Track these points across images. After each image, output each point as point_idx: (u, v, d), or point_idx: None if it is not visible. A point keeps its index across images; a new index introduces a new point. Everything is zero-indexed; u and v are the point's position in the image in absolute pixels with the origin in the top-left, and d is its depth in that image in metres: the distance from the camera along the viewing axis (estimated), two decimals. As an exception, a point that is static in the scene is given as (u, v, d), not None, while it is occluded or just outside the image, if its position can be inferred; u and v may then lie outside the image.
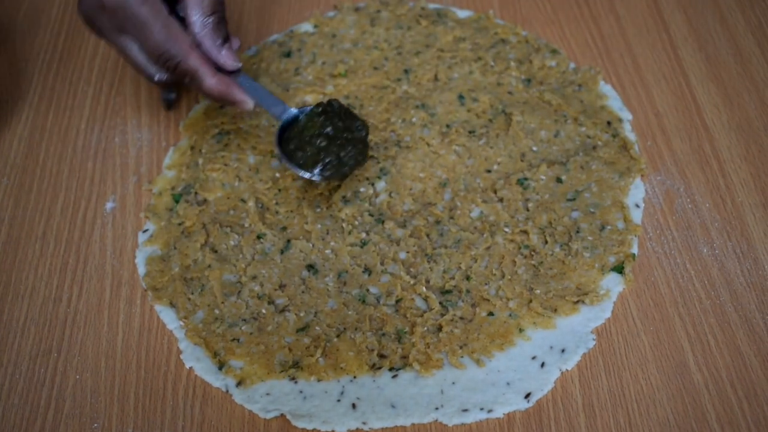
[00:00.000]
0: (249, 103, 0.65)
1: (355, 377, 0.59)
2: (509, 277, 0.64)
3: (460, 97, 0.76)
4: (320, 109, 0.65)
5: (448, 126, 0.74)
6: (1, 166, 0.74)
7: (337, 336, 0.61)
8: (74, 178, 0.73)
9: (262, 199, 0.70)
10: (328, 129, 0.64)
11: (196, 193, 0.70)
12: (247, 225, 0.68)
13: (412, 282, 0.64)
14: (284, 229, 0.68)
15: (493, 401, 0.58)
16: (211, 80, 0.63)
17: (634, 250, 0.66)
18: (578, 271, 0.64)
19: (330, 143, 0.64)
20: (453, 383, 0.59)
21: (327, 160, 0.64)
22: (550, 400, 0.58)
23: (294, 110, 0.67)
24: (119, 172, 0.73)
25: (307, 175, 0.64)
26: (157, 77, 0.65)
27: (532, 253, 0.65)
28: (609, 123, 0.74)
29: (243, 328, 0.62)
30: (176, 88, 0.67)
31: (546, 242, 0.66)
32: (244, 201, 0.70)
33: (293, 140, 0.66)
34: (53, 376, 0.61)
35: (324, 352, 0.60)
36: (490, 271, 0.64)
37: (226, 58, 0.65)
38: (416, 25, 0.83)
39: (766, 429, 0.56)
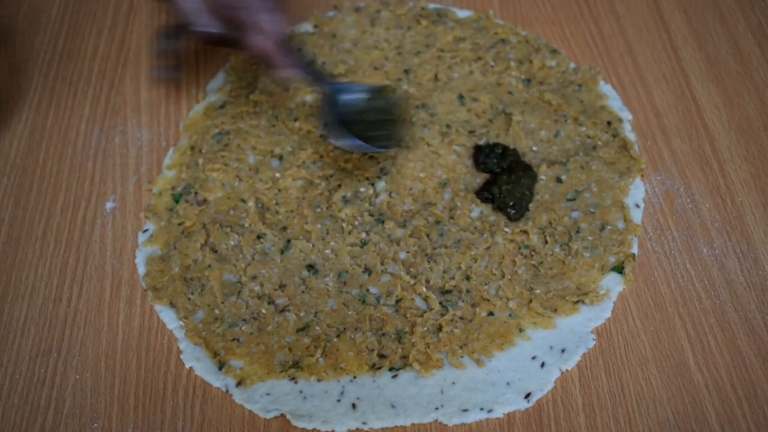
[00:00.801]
0: (290, 70, 0.63)
1: (355, 377, 0.59)
2: (509, 277, 0.64)
3: (460, 97, 0.76)
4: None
5: (448, 126, 0.74)
6: (1, 166, 0.74)
7: (337, 336, 0.61)
8: (74, 178, 0.73)
9: (262, 199, 0.70)
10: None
11: (196, 193, 0.70)
12: (247, 225, 0.68)
13: (412, 282, 0.64)
14: (284, 229, 0.68)
15: (493, 401, 0.58)
16: (265, 38, 0.61)
17: (634, 250, 0.66)
18: (578, 271, 0.64)
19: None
20: (453, 383, 0.59)
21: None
22: (550, 400, 0.58)
23: (342, 84, 0.65)
24: (119, 172, 0.73)
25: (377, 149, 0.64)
26: (204, 28, 0.62)
27: (532, 253, 0.65)
28: (609, 123, 0.74)
29: (243, 328, 0.62)
30: (214, 44, 0.63)
31: (546, 242, 0.66)
32: (244, 201, 0.70)
33: (356, 121, 0.64)
34: (53, 376, 0.61)
35: (324, 352, 0.60)
36: (490, 271, 0.64)
37: (276, 21, 0.62)
38: (416, 25, 0.83)
39: (766, 429, 0.56)
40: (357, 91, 0.65)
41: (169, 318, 0.64)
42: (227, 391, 0.59)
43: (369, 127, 0.63)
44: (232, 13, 0.60)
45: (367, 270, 0.65)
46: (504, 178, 0.68)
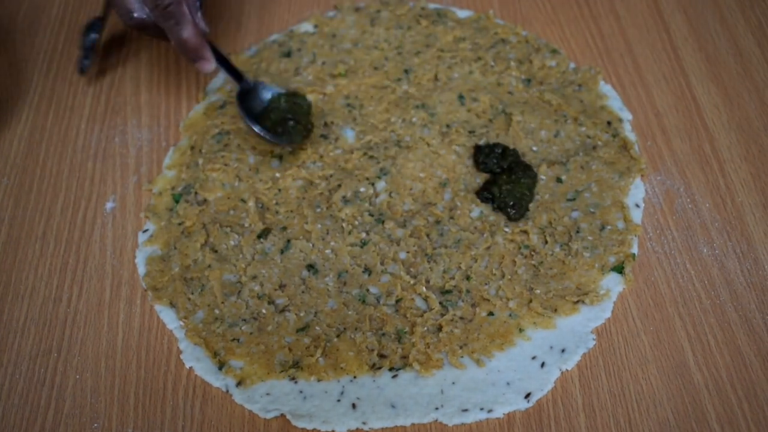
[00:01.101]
0: (212, 65, 0.69)
1: (355, 377, 0.59)
2: (509, 277, 0.64)
3: (460, 97, 0.76)
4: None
5: (448, 126, 0.74)
6: (1, 166, 0.74)
7: (337, 336, 0.61)
8: (74, 178, 0.73)
9: (262, 199, 0.70)
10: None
11: (196, 193, 0.70)
12: (247, 225, 0.68)
13: (412, 282, 0.64)
14: (284, 229, 0.68)
15: (493, 401, 0.58)
16: (191, 30, 0.66)
17: (634, 250, 0.66)
18: (578, 271, 0.64)
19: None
20: (453, 383, 0.59)
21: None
22: (550, 400, 0.58)
23: (253, 82, 0.72)
24: (119, 172, 0.74)
25: (279, 141, 0.70)
26: (136, 14, 0.66)
27: (532, 253, 0.65)
28: (609, 123, 0.74)
29: (243, 328, 0.62)
30: (141, 31, 0.69)
31: (546, 242, 0.66)
32: (244, 201, 0.70)
33: (268, 115, 0.72)
34: (53, 376, 0.61)
35: (324, 352, 0.60)
36: (490, 271, 0.64)
37: (200, 20, 0.67)
38: (416, 25, 0.83)
39: (766, 429, 0.56)
40: (267, 90, 0.72)
41: (169, 318, 0.64)
42: (227, 391, 0.59)
43: (272, 122, 0.71)
44: (174, 8, 0.64)
45: (367, 270, 0.65)
46: (504, 178, 0.68)
